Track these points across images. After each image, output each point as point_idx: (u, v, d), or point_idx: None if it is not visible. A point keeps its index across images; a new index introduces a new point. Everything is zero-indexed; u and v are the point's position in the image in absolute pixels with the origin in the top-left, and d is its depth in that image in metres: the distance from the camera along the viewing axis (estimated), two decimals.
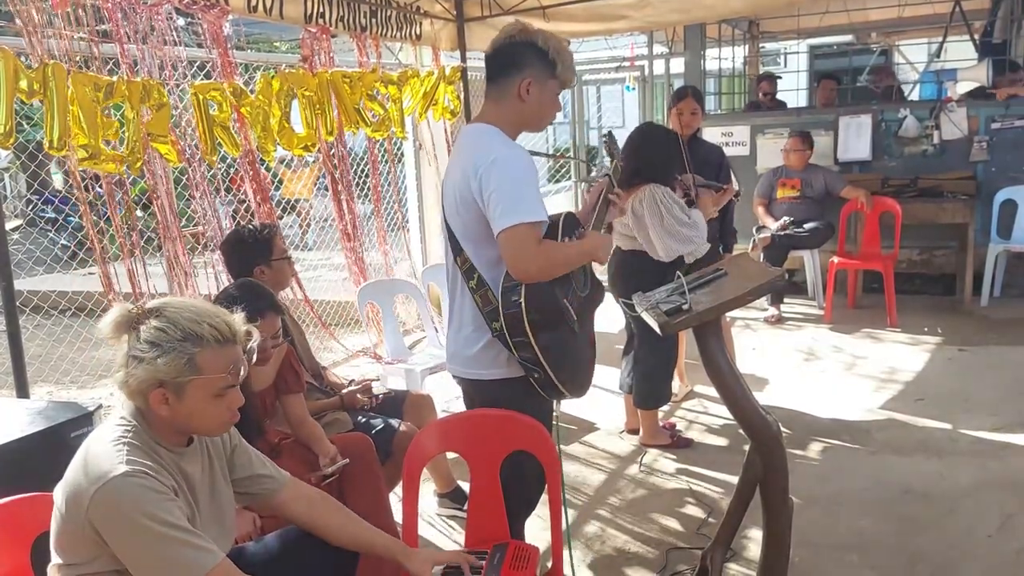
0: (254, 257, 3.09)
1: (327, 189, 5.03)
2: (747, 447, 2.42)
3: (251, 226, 3.28)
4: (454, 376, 2.54)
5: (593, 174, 7.43)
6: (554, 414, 2.48)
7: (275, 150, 4.23)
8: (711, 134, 6.74)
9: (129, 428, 1.69)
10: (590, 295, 2.49)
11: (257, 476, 1.97)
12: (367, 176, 5.58)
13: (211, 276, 4.00)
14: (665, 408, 4.28)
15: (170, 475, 1.70)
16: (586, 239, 2.36)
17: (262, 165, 4.39)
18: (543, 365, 2.25)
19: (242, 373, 1.75)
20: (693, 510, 3.40)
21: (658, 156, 3.74)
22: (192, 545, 1.61)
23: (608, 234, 2.48)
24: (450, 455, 3.22)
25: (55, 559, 1.71)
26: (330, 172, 4.88)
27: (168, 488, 1.65)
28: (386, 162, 5.74)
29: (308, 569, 2.01)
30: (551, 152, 11.97)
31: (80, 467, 1.64)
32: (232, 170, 4.69)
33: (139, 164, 3.48)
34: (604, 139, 2.82)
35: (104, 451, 1.64)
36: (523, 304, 2.20)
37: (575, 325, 2.35)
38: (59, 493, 1.67)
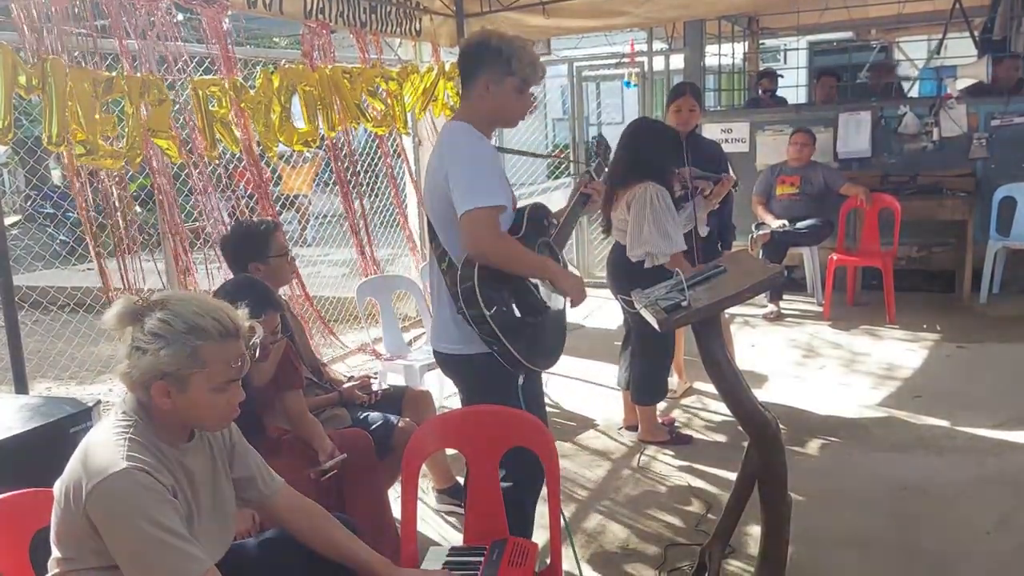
0: (250, 254, 3.09)
1: (326, 184, 5.03)
2: (746, 444, 2.42)
3: (250, 222, 3.27)
4: (434, 351, 2.68)
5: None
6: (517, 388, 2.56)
7: (276, 146, 4.23)
8: (711, 130, 6.73)
9: (131, 423, 1.69)
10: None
11: (251, 479, 1.97)
12: (365, 172, 5.58)
13: (211, 272, 4.00)
14: (664, 404, 4.29)
15: (170, 472, 1.70)
16: (556, 266, 2.54)
17: (262, 160, 4.38)
18: (500, 338, 2.37)
19: (244, 368, 1.76)
20: (692, 506, 3.41)
21: (655, 152, 3.72)
22: (181, 552, 1.61)
23: (577, 276, 2.59)
24: (449, 451, 3.23)
25: (55, 552, 1.71)
26: (338, 169, 4.88)
27: (167, 487, 1.65)
28: (397, 156, 5.75)
29: (306, 566, 2.01)
30: (551, 149, 11.98)
31: (80, 461, 1.65)
32: (232, 166, 4.69)
33: (139, 160, 3.47)
34: (595, 139, 2.97)
35: (105, 446, 1.65)
36: (475, 280, 2.35)
37: (537, 303, 2.49)
38: (59, 486, 1.68)
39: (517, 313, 2.45)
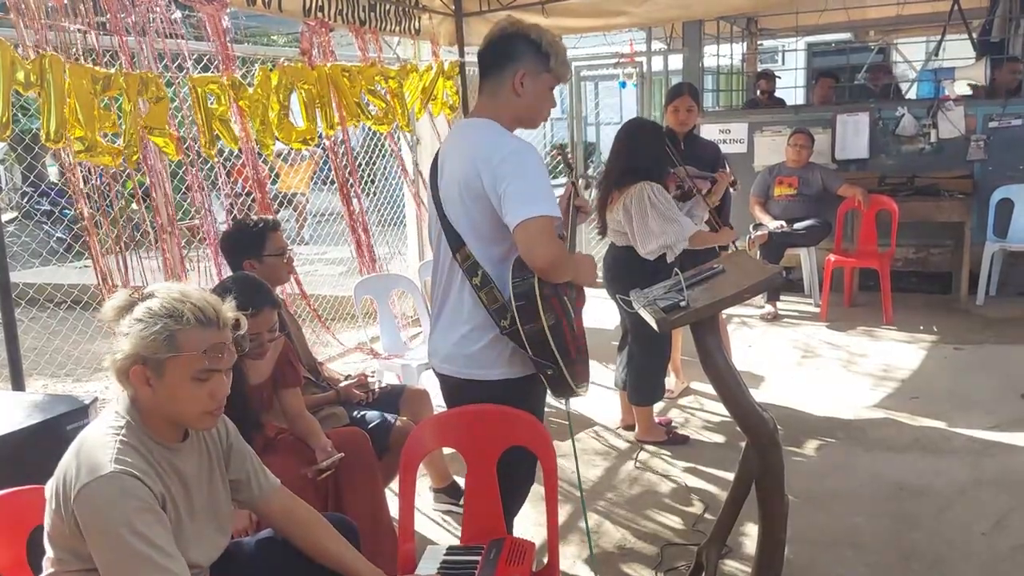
0: (243, 251, 3.09)
1: (324, 183, 5.02)
2: (743, 444, 2.42)
3: (247, 220, 3.26)
4: (443, 375, 2.43)
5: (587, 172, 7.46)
6: (566, 410, 2.55)
7: (273, 144, 4.22)
8: (709, 131, 6.74)
9: (122, 425, 1.69)
10: (578, 291, 2.48)
11: (246, 481, 1.96)
12: (363, 170, 5.58)
13: (205, 269, 3.99)
14: (661, 404, 4.29)
15: (159, 477, 1.69)
16: (580, 259, 2.39)
17: (260, 158, 4.38)
18: (558, 361, 2.19)
19: (226, 360, 1.74)
20: (689, 506, 3.41)
21: (648, 153, 3.73)
22: (159, 568, 1.59)
23: (590, 256, 2.50)
24: (447, 450, 3.23)
25: (48, 552, 1.72)
26: (337, 167, 4.88)
27: (155, 494, 1.64)
28: (402, 150, 5.75)
29: (303, 565, 2.01)
30: (548, 149, 11.96)
31: (70, 462, 1.65)
32: (230, 164, 4.69)
33: (136, 157, 3.46)
34: (556, 151, 2.82)
35: (95, 447, 1.64)
36: (539, 301, 2.13)
37: (572, 321, 2.33)
38: (50, 486, 1.68)
39: (567, 334, 2.23)
